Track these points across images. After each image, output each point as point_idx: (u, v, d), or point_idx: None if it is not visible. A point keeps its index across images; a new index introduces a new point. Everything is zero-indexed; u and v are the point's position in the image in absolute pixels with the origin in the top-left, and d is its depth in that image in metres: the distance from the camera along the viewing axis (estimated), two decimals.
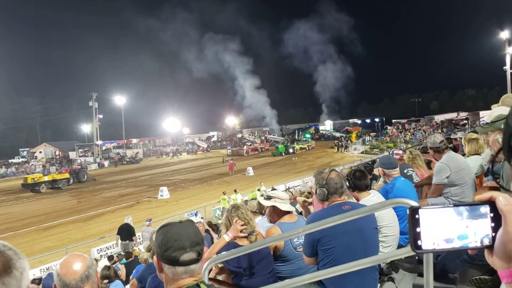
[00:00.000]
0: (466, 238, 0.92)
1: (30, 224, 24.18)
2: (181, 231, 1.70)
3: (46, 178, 39.98)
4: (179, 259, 1.64)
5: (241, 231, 3.60)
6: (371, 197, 4.09)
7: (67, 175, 42.05)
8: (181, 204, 26.73)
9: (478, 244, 0.92)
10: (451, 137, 14.48)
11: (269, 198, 4.13)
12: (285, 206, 4.05)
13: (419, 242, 0.92)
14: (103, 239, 18.37)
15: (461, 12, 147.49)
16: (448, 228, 0.91)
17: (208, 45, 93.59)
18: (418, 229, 0.92)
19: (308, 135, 74.24)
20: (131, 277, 8.13)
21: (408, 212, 0.93)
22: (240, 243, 3.57)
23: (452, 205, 0.92)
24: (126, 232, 15.52)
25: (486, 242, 0.91)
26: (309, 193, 7.55)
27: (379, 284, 3.30)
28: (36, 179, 39.62)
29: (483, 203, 0.92)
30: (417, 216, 0.92)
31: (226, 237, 3.59)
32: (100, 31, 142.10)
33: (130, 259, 11.11)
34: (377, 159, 5.52)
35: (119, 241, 15.72)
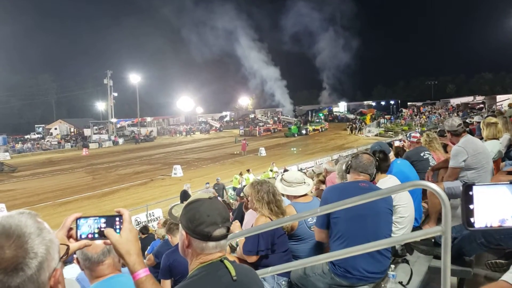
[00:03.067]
0: None
1: (46, 199, 24.63)
2: (213, 206, 1.72)
3: None
4: (212, 234, 1.67)
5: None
6: (388, 179, 4.10)
7: None
8: (194, 183, 26.87)
9: None
10: (467, 121, 14.28)
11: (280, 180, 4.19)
12: (287, 190, 4.06)
13: (471, 220, 0.91)
14: None
15: None
16: (502, 206, 0.89)
17: (221, 24, 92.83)
18: (471, 206, 0.91)
19: (321, 116, 73.79)
20: (146, 252, 8.28)
21: (462, 188, 0.92)
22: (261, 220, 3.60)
23: (508, 182, 0.91)
24: (182, 198, 17.29)
25: None
26: (322, 175, 7.58)
27: (393, 266, 3.32)
28: None
29: None
30: (470, 192, 0.91)
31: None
32: (116, 8, 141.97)
33: (145, 235, 11.27)
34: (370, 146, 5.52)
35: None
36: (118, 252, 1.52)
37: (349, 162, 3.41)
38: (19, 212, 1.14)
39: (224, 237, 1.71)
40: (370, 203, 2.95)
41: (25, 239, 1.06)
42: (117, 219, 1.53)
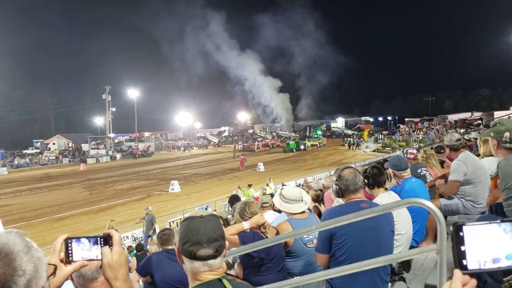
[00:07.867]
0: None
1: (43, 214, 24.44)
2: (201, 226, 1.68)
3: None
4: (196, 254, 1.64)
5: (260, 226, 3.61)
6: (387, 195, 4.04)
7: None
8: (192, 198, 26.82)
9: None
10: (465, 137, 14.31)
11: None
12: (284, 206, 4.05)
13: (464, 262, 0.87)
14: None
15: (477, 11, 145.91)
16: (494, 246, 0.86)
17: (219, 40, 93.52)
18: (463, 248, 0.87)
19: (319, 132, 73.98)
20: None
21: (451, 229, 0.88)
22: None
23: (498, 221, 0.87)
24: (233, 200, 17.82)
25: None
26: (321, 190, 7.55)
27: (390, 284, 3.27)
28: None
29: None
30: (461, 233, 0.87)
31: (246, 225, 3.58)
32: (115, 25, 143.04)
33: (140, 252, 11.18)
34: (388, 159, 5.42)
35: (229, 208, 17.75)
36: (105, 275, 1.47)
37: (337, 187, 3.29)
38: (7, 231, 1.13)
39: (211, 257, 1.66)
40: (372, 227, 2.94)
41: (13, 256, 1.05)
42: (102, 240, 1.50)
